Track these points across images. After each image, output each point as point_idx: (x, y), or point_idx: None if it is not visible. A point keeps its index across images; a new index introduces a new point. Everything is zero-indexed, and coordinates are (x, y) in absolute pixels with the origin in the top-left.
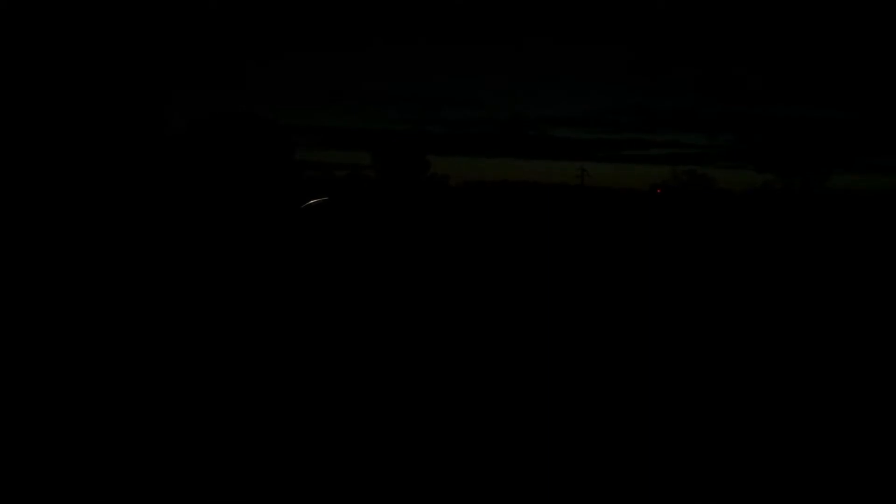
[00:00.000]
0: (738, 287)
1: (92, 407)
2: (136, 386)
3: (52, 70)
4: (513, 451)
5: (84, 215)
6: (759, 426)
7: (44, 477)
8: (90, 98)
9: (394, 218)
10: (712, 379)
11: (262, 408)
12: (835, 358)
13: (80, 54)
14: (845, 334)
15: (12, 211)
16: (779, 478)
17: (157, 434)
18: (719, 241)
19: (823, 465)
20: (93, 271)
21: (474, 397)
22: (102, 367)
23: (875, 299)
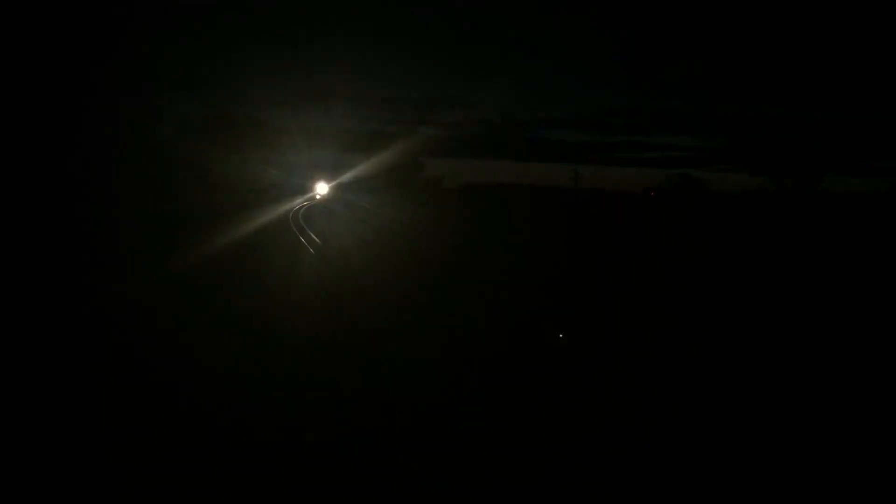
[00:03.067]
0: (731, 289)
1: (84, 404)
2: (129, 383)
3: (46, 69)
4: (509, 452)
5: (77, 213)
6: (753, 425)
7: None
8: (83, 97)
9: (386, 219)
10: (708, 379)
11: (254, 406)
12: (830, 357)
13: (74, 53)
14: (839, 335)
15: (3, 208)
16: (778, 477)
17: (151, 434)
18: (713, 244)
19: (822, 465)
20: (84, 268)
21: (470, 398)
22: (95, 365)
23: (869, 300)
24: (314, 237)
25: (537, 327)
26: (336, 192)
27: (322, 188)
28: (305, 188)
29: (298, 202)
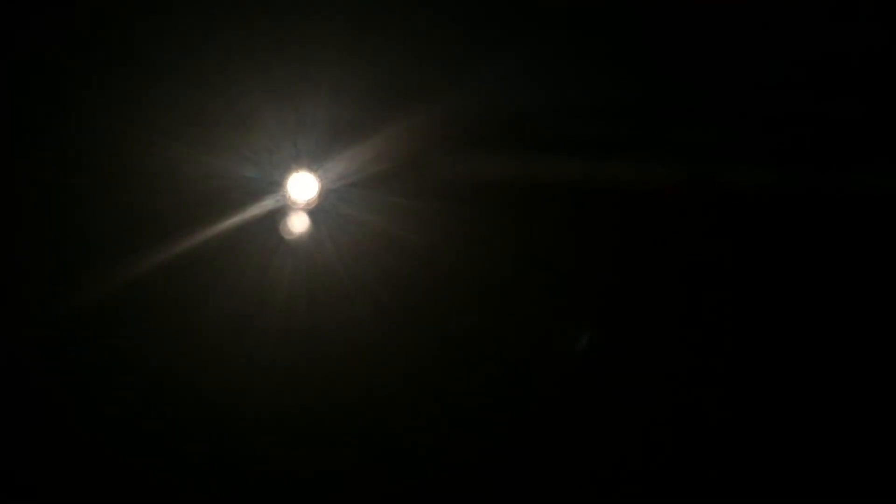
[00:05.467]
0: (753, 289)
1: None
2: (130, 385)
3: (43, 64)
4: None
5: (74, 212)
6: (769, 432)
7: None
8: (80, 93)
9: (390, 217)
10: (721, 383)
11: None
12: (851, 362)
13: (71, 49)
14: (863, 337)
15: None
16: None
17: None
18: (733, 242)
19: (825, 466)
20: (83, 269)
21: (474, 404)
22: (98, 366)
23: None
24: (299, 242)
25: (552, 331)
26: (320, 190)
27: (302, 187)
28: (281, 187)
29: (274, 201)
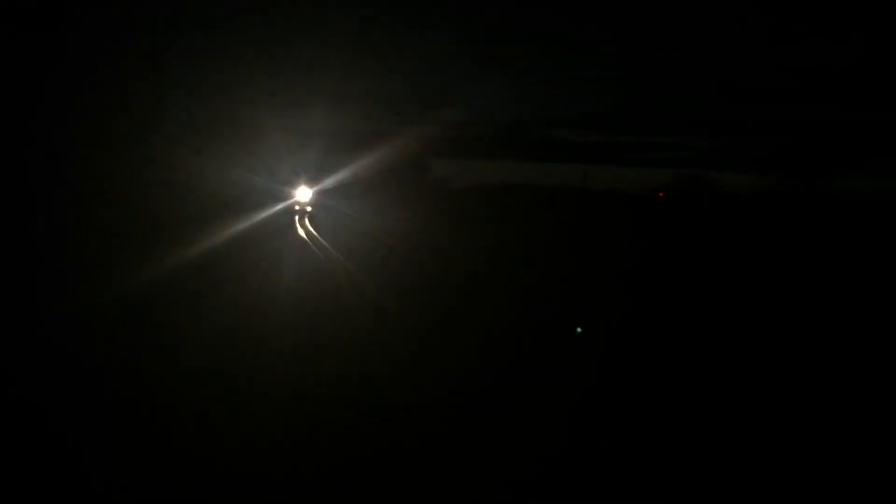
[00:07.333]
0: (742, 291)
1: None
2: (133, 383)
3: (50, 67)
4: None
5: (81, 214)
6: (758, 427)
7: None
8: (89, 97)
9: (395, 220)
10: (715, 382)
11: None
12: (838, 361)
13: (80, 52)
14: (849, 337)
15: (6, 209)
16: (780, 478)
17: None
18: (724, 245)
19: (824, 465)
20: (88, 271)
21: (477, 401)
22: (102, 365)
23: (878, 302)
24: (319, 242)
25: (548, 328)
26: (322, 196)
27: (305, 193)
28: (289, 193)
29: (284, 207)
